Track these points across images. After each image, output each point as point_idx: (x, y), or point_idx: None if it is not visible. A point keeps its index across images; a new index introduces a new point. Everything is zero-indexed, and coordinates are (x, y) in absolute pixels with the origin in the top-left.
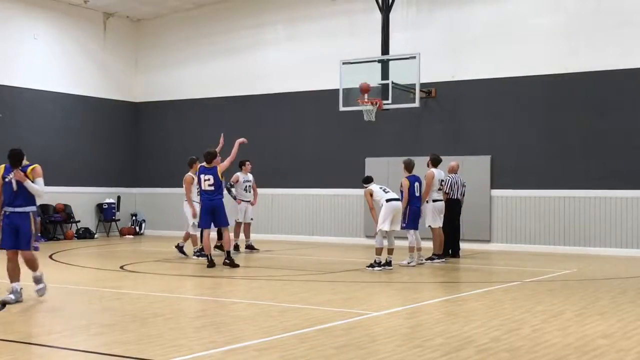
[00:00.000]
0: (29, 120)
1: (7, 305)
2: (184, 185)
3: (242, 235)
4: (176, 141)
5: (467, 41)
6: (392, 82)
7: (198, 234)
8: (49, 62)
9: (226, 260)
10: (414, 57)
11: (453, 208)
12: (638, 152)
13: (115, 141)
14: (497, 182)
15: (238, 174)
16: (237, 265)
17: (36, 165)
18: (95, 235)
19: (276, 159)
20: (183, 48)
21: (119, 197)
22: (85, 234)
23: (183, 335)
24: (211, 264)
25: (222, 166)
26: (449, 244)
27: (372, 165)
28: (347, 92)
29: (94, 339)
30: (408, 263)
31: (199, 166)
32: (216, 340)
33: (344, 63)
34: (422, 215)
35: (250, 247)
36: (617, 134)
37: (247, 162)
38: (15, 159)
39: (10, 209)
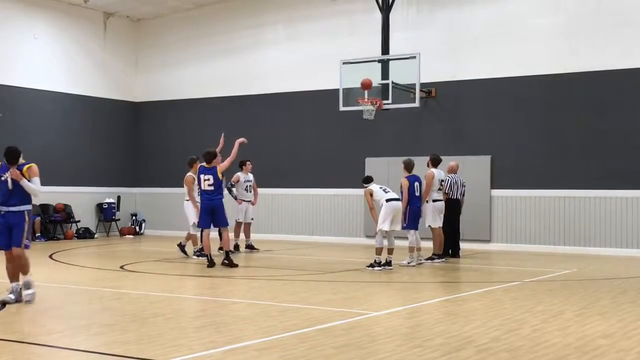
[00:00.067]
0: (28, 120)
1: (7, 305)
2: (185, 186)
3: (242, 235)
4: (176, 141)
5: (467, 41)
6: (392, 82)
7: (198, 234)
8: (49, 62)
9: (225, 261)
10: (414, 57)
11: (453, 208)
12: (638, 152)
13: (115, 141)
14: (497, 182)
15: (239, 173)
16: (235, 265)
17: (32, 164)
18: (95, 235)
19: (276, 159)
20: (183, 48)
21: (119, 197)
22: (85, 234)
23: (183, 335)
24: (211, 264)
25: (222, 166)
26: (449, 244)
27: (372, 165)
28: (347, 92)
29: (94, 338)
30: (408, 263)
31: (199, 166)
32: (216, 340)
33: (344, 63)
34: (422, 215)
35: (250, 247)
36: (617, 134)
37: (248, 162)
38: (11, 157)
39: (5, 208)
